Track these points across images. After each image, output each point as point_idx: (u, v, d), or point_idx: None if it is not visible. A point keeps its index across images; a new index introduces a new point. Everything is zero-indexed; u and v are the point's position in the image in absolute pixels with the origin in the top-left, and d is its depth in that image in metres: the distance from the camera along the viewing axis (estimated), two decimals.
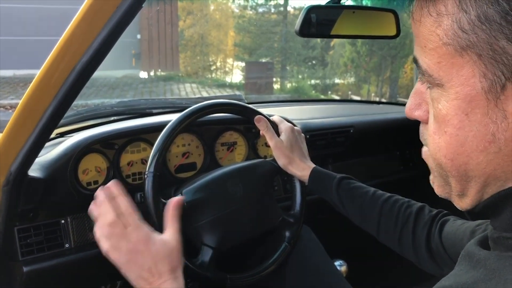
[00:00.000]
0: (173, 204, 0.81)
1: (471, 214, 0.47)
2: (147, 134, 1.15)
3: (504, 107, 0.38)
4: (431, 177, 0.50)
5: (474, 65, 0.39)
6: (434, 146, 0.45)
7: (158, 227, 0.89)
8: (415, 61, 0.45)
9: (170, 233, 0.78)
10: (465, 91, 0.40)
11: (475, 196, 0.45)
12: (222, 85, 12.41)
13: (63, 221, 1.02)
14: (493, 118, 0.39)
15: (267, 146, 1.31)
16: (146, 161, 0.95)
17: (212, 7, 14.69)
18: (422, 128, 0.49)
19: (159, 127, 1.01)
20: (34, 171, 0.95)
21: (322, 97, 11.49)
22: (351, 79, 12.36)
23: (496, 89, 0.38)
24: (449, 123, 0.42)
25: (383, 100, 10.42)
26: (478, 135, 0.40)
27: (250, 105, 1.10)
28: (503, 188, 0.42)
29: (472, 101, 0.40)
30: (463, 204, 0.47)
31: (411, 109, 0.48)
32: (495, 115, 0.39)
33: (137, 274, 0.74)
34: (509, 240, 0.41)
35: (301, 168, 1.04)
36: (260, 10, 13.70)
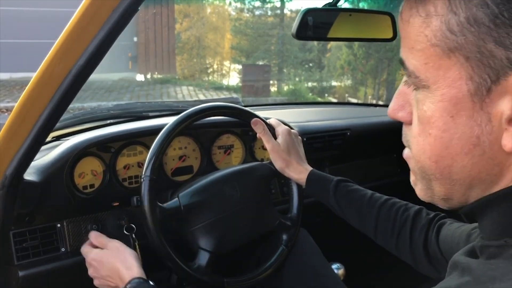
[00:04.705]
0: (92, 237, 0.97)
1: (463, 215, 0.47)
2: (144, 137, 1.15)
3: (489, 110, 0.38)
4: (412, 178, 0.49)
5: (461, 68, 0.39)
6: (418, 148, 0.44)
7: (154, 231, 0.89)
8: (401, 62, 0.44)
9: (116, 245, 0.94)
10: (451, 93, 0.40)
11: (460, 199, 0.45)
12: (219, 88, 12.40)
13: (59, 225, 1.02)
14: (478, 121, 0.39)
15: (264, 149, 1.31)
16: (143, 164, 0.95)
17: (209, 10, 14.70)
18: (405, 129, 0.48)
19: (156, 130, 1.00)
20: (29, 175, 0.94)
21: (319, 99, 11.49)
22: (348, 82, 12.37)
23: (482, 92, 0.38)
24: (434, 125, 0.42)
25: (380, 102, 10.44)
26: (463, 137, 0.40)
27: (247, 108, 1.09)
28: (488, 192, 0.42)
29: (458, 104, 0.39)
30: (448, 205, 0.47)
31: (394, 110, 0.48)
32: (480, 118, 0.39)
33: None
34: (489, 248, 0.41)
35: (298, 171, 1.04)
36: (257, 12, 13.71)
